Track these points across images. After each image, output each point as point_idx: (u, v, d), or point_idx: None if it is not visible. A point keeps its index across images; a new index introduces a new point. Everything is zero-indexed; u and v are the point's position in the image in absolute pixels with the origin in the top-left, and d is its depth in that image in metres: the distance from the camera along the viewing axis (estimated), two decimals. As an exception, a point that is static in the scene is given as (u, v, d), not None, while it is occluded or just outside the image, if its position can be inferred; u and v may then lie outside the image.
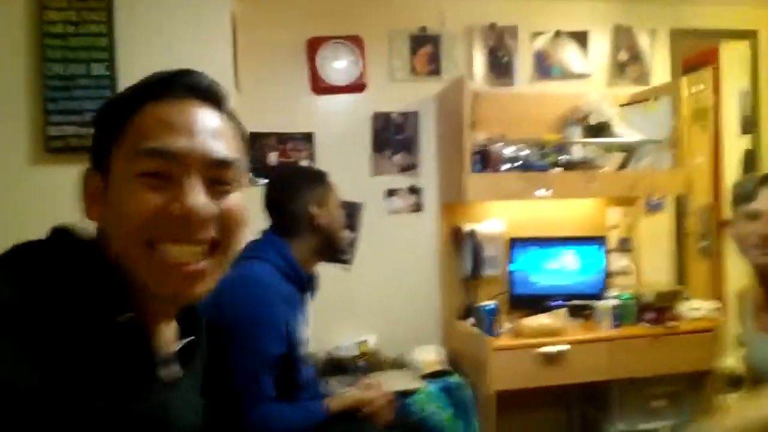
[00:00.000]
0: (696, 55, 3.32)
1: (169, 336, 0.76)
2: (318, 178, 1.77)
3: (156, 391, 0.69)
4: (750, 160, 3.29)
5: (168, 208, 0.66)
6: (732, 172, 3.39)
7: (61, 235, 0.70)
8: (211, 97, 0.73)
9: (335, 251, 1.73)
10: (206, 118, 0.71)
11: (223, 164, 0.70)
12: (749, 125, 3.28)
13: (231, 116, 0.76)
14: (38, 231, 0.72)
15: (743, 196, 1.55)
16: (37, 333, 0.59)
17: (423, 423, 2.09)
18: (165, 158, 0.66)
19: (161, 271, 0.67)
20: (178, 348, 0.76)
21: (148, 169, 0.66)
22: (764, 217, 1.49)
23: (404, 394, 2.19)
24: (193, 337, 0.78)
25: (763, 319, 1.60)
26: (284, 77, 2.68)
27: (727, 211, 3.31)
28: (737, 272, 3.20)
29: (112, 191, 0.68)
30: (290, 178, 1.80)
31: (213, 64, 2.08)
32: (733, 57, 3.37)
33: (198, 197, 0.67)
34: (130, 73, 2.01)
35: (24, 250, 0.67)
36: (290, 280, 1.59)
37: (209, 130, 0.70)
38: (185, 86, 0.71)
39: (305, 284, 1.65)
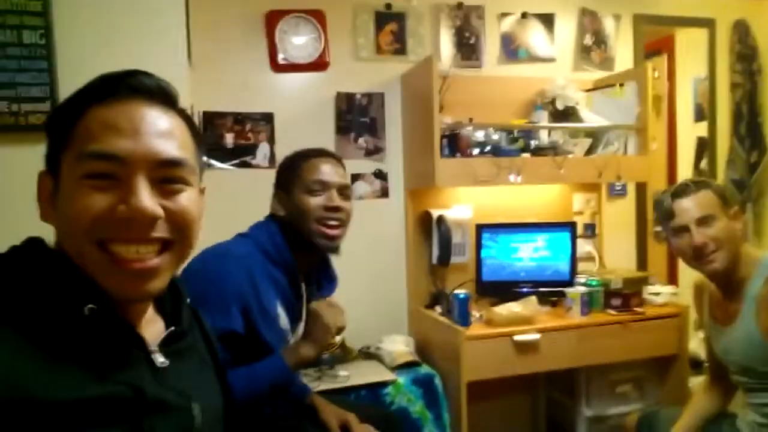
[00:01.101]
0: (652, 42, 3.34)
1: (155, 328, 0.79)
2: (284, 165, 1.63)
3: (137, 376, 0.69)
4: (703, 147, 3.36)
5: (114, 210, 0.67)
6: (686, 158, 3.47)
7: (30, 243, 0.72)
8: (159, 96, 0.73)
9: (306, 242, 1.52)
10: (153, 119, 0.71)
11: (171, 164, 0.71)
12: (702, 113, 3.35)
13: (182, 114, 0.76)
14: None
15: (664, 214, 1.59)
16: (12, 328, 0.63)
17: (397, 415, 2.00)
18: (110, 160, 0.67)
19: (112, 269, 0.68)
20: (161, 339, 0.76)
21: (94, 170, 0.67)
22: (691, 229, 1.53)
23: (376, 386, 2.11)
24: (173, 328, 0.79)
25: (719, 312, 1.65)
26: (241, 53, 2.49)
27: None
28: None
29: (61, 194, 0.70)
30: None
31: (164, 38, 1.90)
32: (687, 44, 3.43)
33: (144, 198, 0.67)
34: (69, 44, 1.80)
35: None
36: (276, 264, 1.47)
37: (156, 131, 0.71)
38: (130, 87, 0.71)
39: (294, 272, 1.51)
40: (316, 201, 1.51)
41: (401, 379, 2.18)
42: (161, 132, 0.71)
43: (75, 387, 0.63)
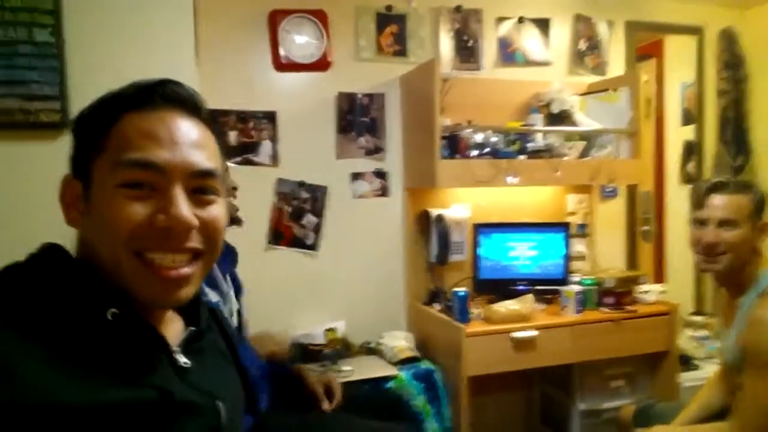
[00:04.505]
0: (642, 46, 3.43)
1: (175, 328, 0.79)
2: None
3: (164, 378, 0.70)
4: (690, 150, 3.46)
5: (153, 219, 0.67)
6: (673, 161, 3.57)
7: (48, 251, 0.72)
8: (190, 106, 0.74)
9: None
10: (187, 129, 0.72)
11: (205, 174, 0.72)
12: (689, 117, 3.45)
13: (210, 125, 0.77)
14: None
15: (695, 202, 1.62)
16: (39, 338, 0.62)
17: (401, 405, 2.04)
18: (149, 169, 0.67)
19: (147, 276, 0.68)
20: (182, 340, 0.77)
21: (132, 179, 0.67)
22: (710, 226, 1.56)
23: (379, 381, 2.17)
24: (193, 329, 0.80)
25: (724, 312, 1.70)
26: (245, 52, 2.52)
27: (668, 199, 3.53)
28: (677, 256, 3.40)
29: (94, 201, 0.69)
30: None
31: (173, 36, 1.93)
32: (676, 50, 3.53)
33: (183, 208, 0.68)
34: (78, 41, 1.82)
35: (14, 269, 0.69)
36: None
37: (191, 141, 0.71)
38: (165, 97, 0.72)
39: None
40: None
41: (403, 373, 2.23)
42: (195, 142, 0.72)
43: (104, 391, 0.63)
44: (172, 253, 0.69)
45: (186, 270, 0.71)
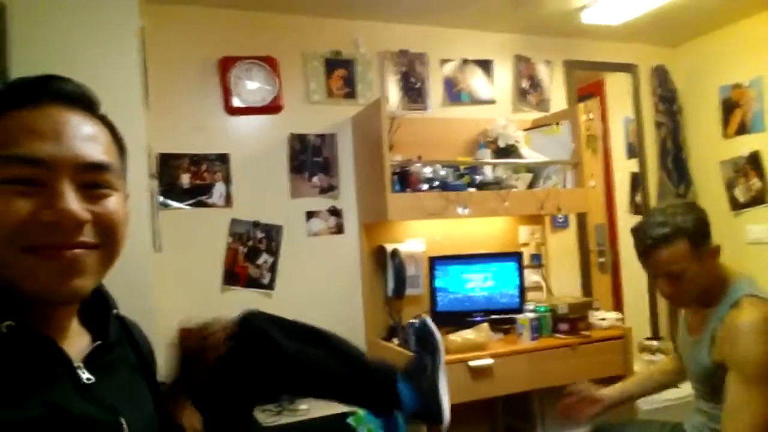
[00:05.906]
0: (585, 86, 3.61)
1: (80, 342, 0.75)
2: None
3: (61, 395, 0.66)
4: (636, 182, 3.61)
5: (39, 215, 0.64)
6: (622, 193, 3.70)
7: None
8: (81, 102, 0.71)
9: None
10: (76, 123, 0.69)
11: (96, 167, 0.69)
12: (633, 150, 3.61)
13: (104, 120, 0.75)
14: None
15: (639, 250, 1.58)
16: None
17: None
18: (33, 165, 0.65)
19: (38, 266, 0.65)
20: (85, 354, 0.73)
21: (15, 175, 0.64)
22: (660, 278, 1.55)
23: (337, 418, 2.12)
24: (98, 342, 0.75)
25: (690, 318, 1.70)
26: (196, 97, 2.57)
27: (620, 229, 3.63)
28: (633, 284, 3.48)
29: None
30: None
31: (121, 80, 1.96)
32: (615, 88, 3.72)
33: (70, 202, 0.65)
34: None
35: None
36: None
37: (79, 135, 0.69)
38: (50, 92, 0.69)
39: None
40: None
41: (361, 410, 2.19)
42: (85, 136, 0.69)
43: None
44: (62, 251, 0.66)
45: (81, 252, 0.67)
